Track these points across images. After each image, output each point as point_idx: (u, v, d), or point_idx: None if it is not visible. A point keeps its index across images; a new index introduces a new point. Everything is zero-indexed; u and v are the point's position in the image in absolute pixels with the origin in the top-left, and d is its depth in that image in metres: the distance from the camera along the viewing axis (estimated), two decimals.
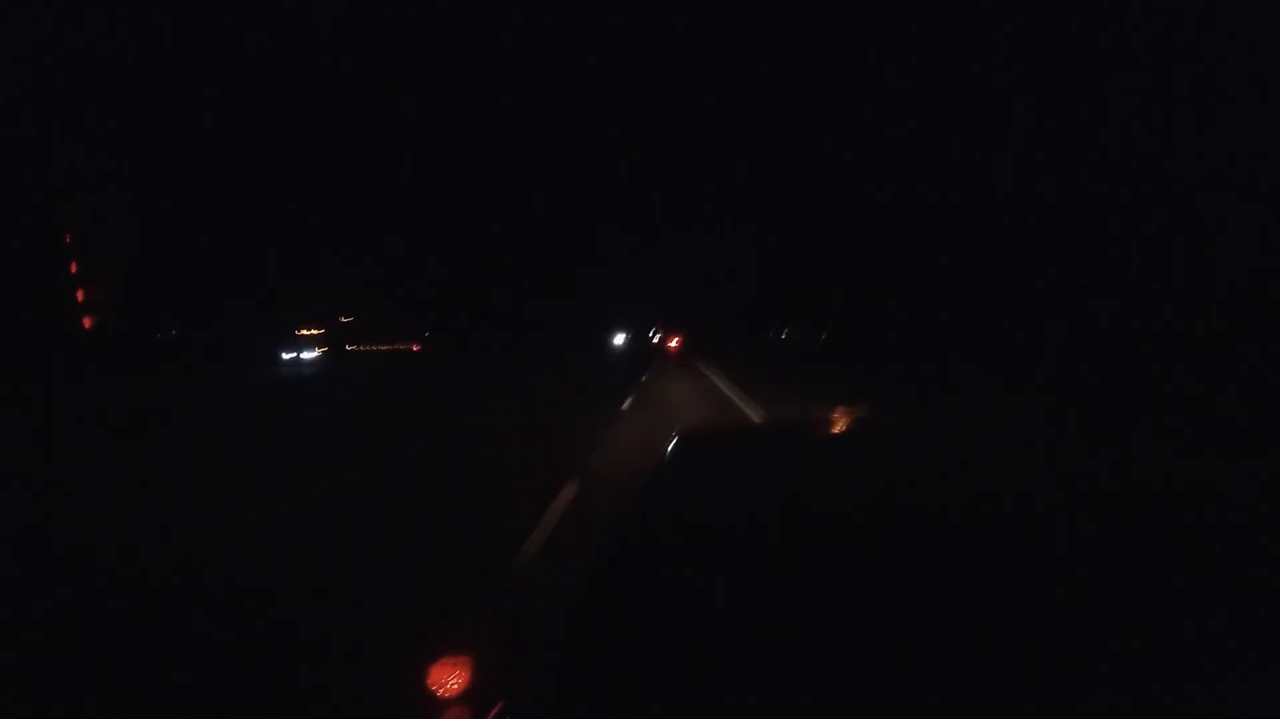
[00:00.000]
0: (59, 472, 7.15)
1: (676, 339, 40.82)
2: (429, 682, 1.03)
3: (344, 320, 54.92)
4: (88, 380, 17.24)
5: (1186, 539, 1.08)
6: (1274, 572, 0.99)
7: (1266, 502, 1.21)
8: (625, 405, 11.61)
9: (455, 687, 1.02)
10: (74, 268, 28.23)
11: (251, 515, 4.88)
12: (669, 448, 1.66)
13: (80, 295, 28.47)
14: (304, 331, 47.62)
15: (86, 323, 28.57)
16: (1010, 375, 14.64)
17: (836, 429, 1.94)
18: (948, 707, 0.76)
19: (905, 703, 0.77)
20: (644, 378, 17.94)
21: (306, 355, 41.63)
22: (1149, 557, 1.03)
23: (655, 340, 57.16)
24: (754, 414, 10.14)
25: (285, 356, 39.38)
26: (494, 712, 0.85)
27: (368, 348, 51.70)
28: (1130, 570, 1.00)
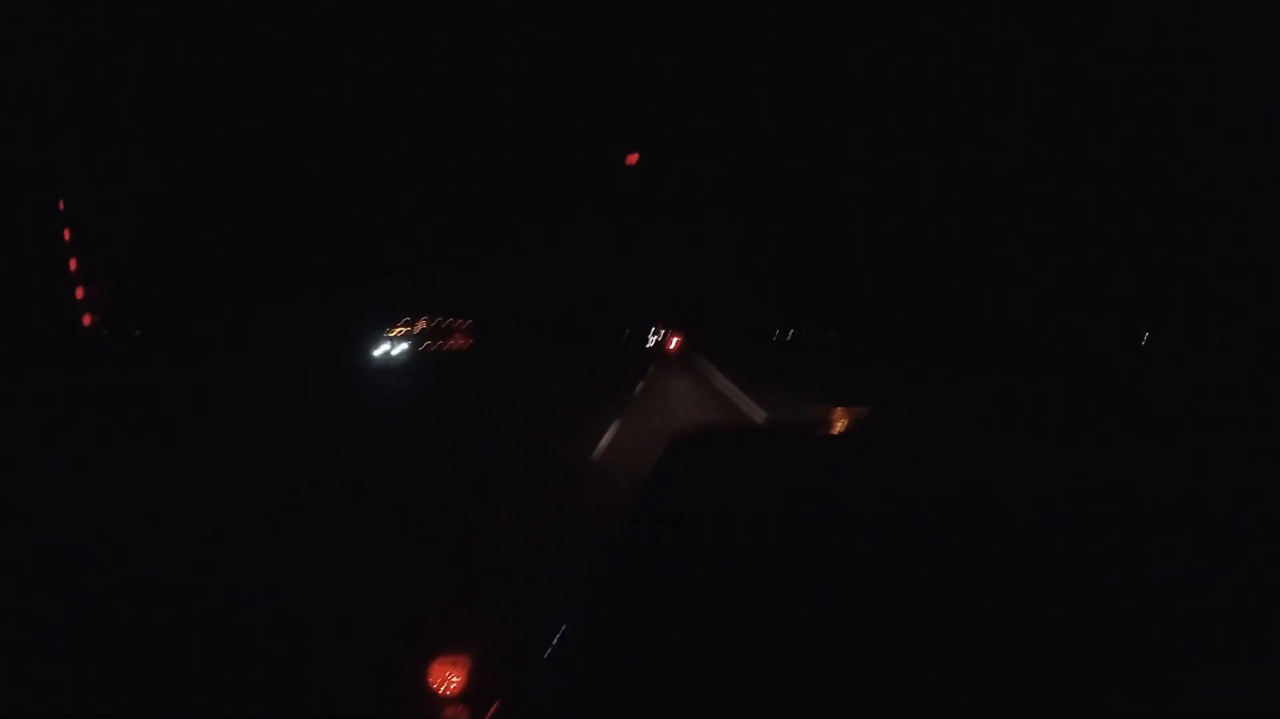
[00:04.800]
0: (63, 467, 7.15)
1: (676, 340, 40.87)
2: (428, 680, 1.04)
3: None
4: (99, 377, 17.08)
5: (1190, 540, 1.09)
6: (1266, 571, 1.00)
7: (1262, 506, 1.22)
8: (603, 443, 7.73)
9: (454, 685, 1.03)
10: (73, 265, 28.18)
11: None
12: (665, 450, 1.67)
13: (80, 293, 28.41)
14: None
15: (86, 320, 28.49)
16: (1013, 374, 14.63)
17: (835, 430, 1.94)
18: (948, 708, 0.77)
19: (905, 704, 0.78)
20: (638, 388, 15.40)
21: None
22: (1153, 558, 1.04)
23: (653, 343, 55.95)
24: (755, 415, 10.14)
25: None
26: (491, 710, 0.86)
27: None
28: (1133, 572, 1.00)
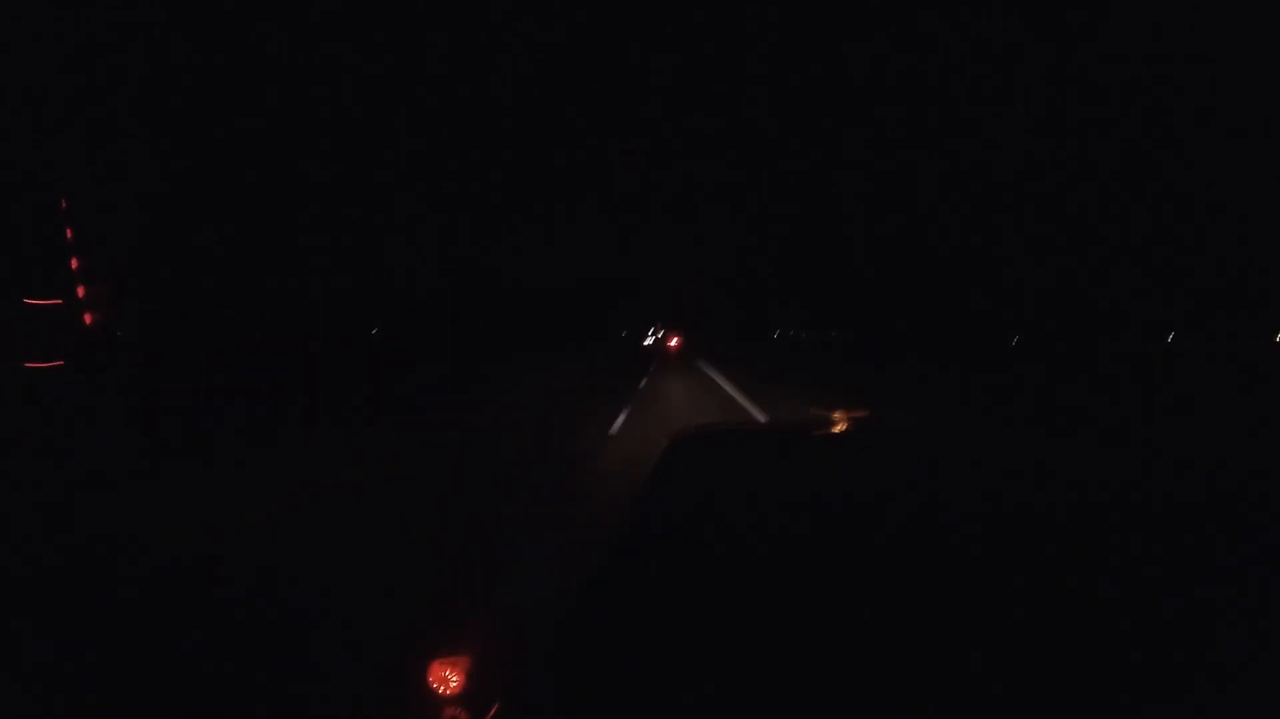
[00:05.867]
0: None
1: (676, 339, 40.95)
2: (427, 681, 1.04)
3: None
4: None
5: (1184, 543, 1.09)
6: (1264, 573, 1.00)
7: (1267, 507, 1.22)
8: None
9: (453, 686, 1.03)
10: (75, 264, 28.18)
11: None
12: (665, 449, 1.67)
13: (81, 292, 28.40)
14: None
15: (88, 319, 28.49)
16: (1010, 376, 14.62)
17: (834, 432, 1.95)
18: (942, 707, 0.77)
19: (900, 703, 0.79)
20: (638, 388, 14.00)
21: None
22: (1146, 561, 1.04)
23: (651, 342, 55.62)
24: (755, 417, 10.14)
25: None
26: (491, 712, 0.86)
27: None
28: (1126, 575, 1.01)
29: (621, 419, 9.97)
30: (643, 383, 16.58)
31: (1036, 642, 0.87)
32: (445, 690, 1.03)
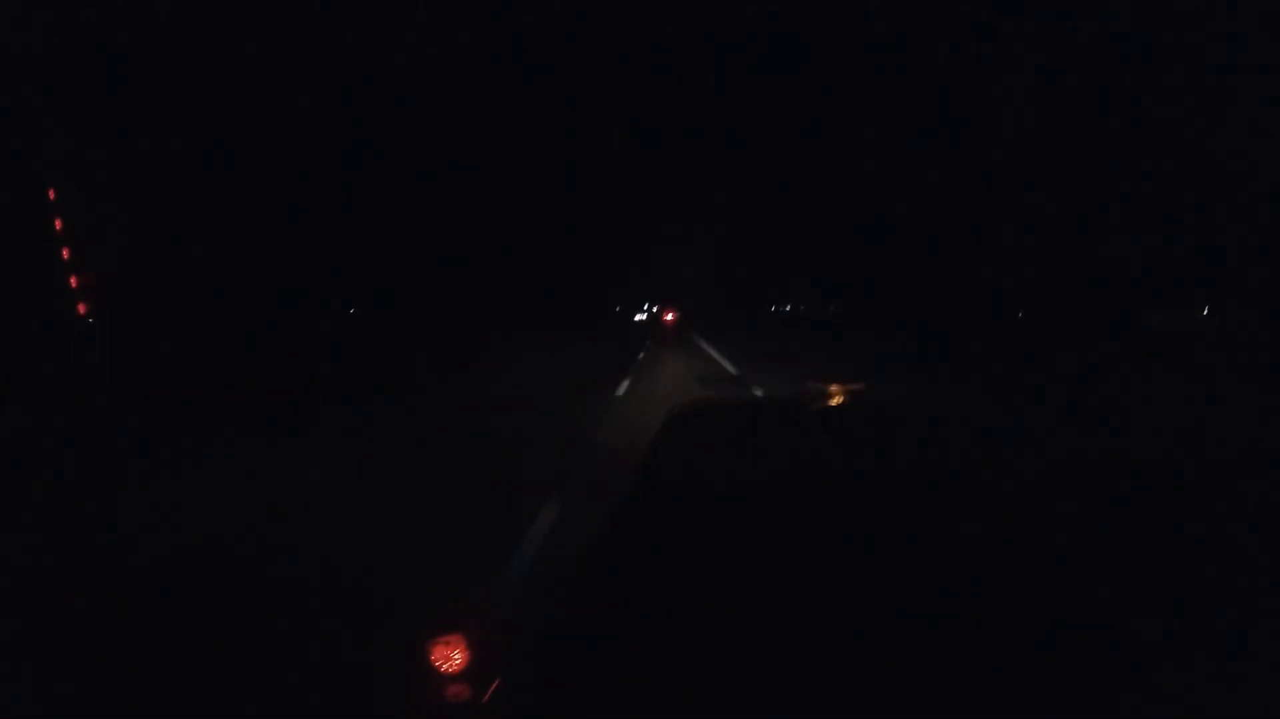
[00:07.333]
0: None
1: (671, 315, 40.93)
2: (430, 658, 1.05)
3: None
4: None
5: (1176, 525, 1.09)
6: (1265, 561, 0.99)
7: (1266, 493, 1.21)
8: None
9: (455, 664, 1.04)
10: (66, 254, 27.90)
11: None
12: (662, 424, 1.68)
13: (74, 282, 28.16)
14: None
15: (81, 309, 28.31)
16: (1012, 355, 14.58)
17: (828, 406, 1.95)
18: (935, 686, 0.78)
19: (894, 682, 0.79)
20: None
21: None
22: (1138, 541, 1.04)
23: (645, 317, 55.45)
24: (751, 391, 10.14)
25: None
26: (492, 687, 0.87)
27: None
28: (1118, 554, 1.01)
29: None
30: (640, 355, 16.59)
31: (1027, 620, 0.86)
32: (448, 667, 1.04)
